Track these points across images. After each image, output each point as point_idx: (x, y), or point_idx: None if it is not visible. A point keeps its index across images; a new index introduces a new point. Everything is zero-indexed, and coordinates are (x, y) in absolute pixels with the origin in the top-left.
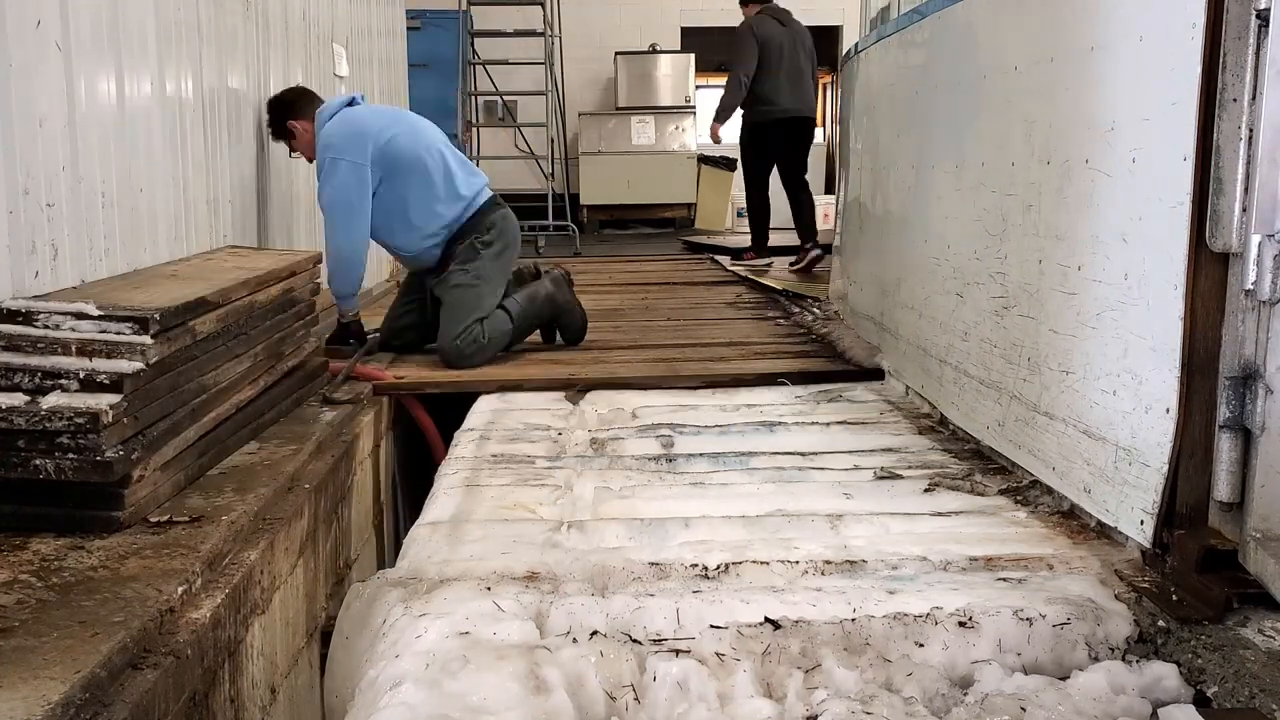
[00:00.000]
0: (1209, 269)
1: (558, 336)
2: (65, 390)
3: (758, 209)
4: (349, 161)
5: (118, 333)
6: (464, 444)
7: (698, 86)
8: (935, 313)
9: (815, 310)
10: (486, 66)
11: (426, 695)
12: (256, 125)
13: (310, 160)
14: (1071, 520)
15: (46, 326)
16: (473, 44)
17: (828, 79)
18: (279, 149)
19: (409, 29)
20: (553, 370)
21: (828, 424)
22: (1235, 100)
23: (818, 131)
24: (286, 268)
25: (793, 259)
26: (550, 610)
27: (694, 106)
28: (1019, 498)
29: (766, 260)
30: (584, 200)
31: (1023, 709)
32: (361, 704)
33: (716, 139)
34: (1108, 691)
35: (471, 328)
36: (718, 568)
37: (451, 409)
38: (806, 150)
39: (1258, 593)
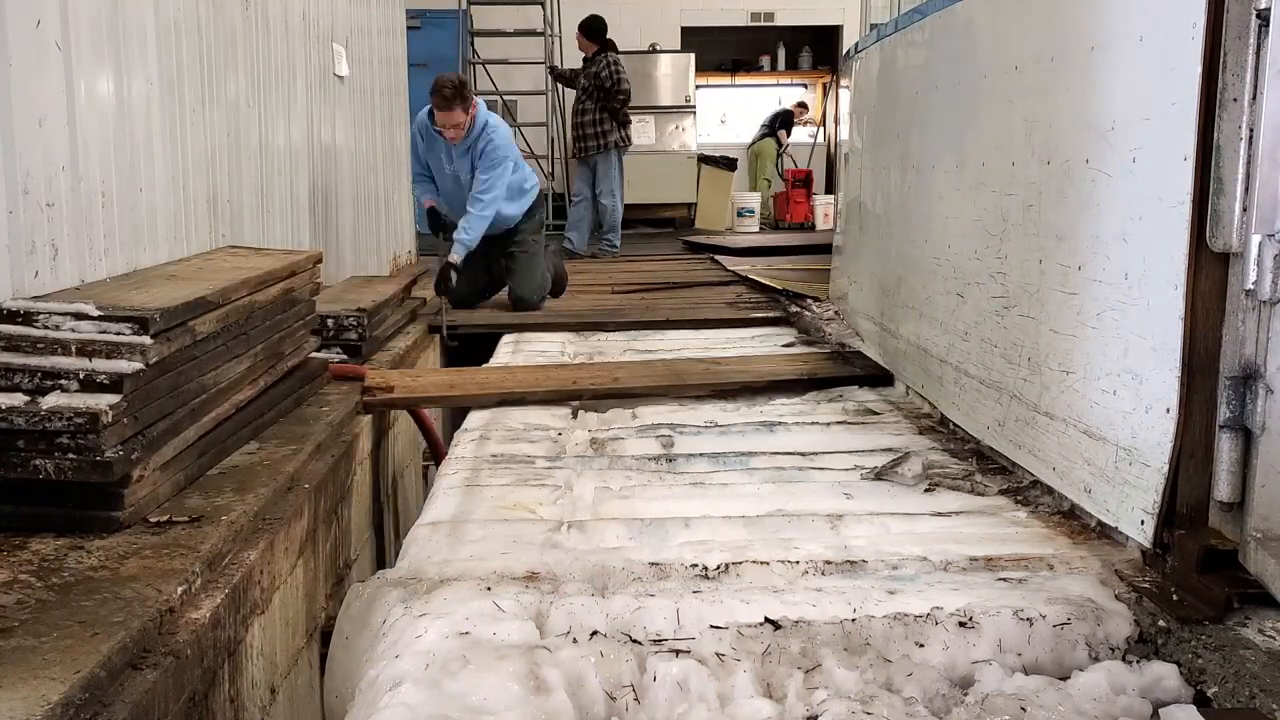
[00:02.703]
0: (1209, 269)
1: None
2: (65, 390)
3: None
4: (513, 160)
5: (118, 333)
6: (464, 444)
7: (698, 86)
8: (936, 312)
9: (815, 310)
10: (486, 66)
11: (426, 695)
12: (257, 124)
13: (457, 131)
14: (1072, 520)
15: (46, 327)
16: (473, 44)
17: (827, 79)
18: (278, 151)
19: (409, 29)
20: (554, 376)
21: (828, 424)
22: (1235, 100)
23: (818, 131)
24: (286, 268)
25: None
26: (550, 610)
27: (694, 106)
28: (1019, 498)
29: None
30: None
31: (1023, 709)
32: (361, 704)
33: None
34: (1108, 691)
35: (543, 278)
36: (718, 568)
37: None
38: None
39: (1258, 593)
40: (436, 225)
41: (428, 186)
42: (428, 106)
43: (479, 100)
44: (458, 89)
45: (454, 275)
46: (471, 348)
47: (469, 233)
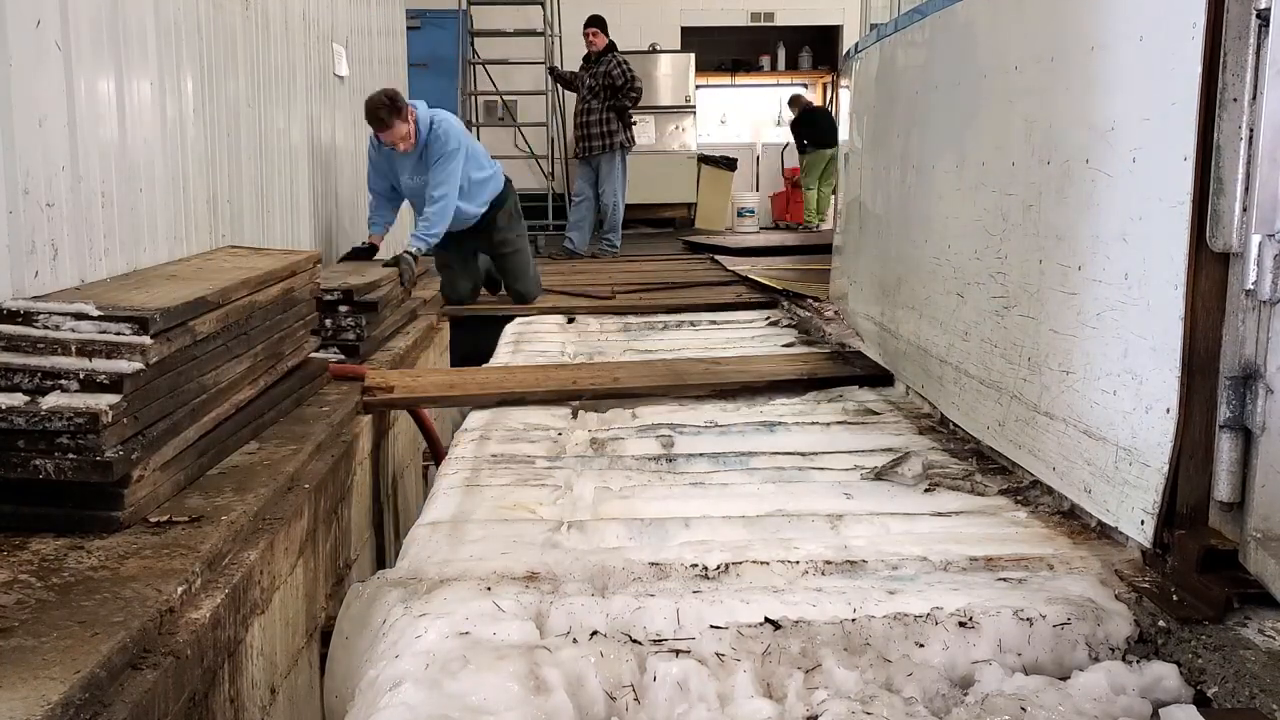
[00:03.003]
0: (1209, 269)
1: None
2: (65, 390)
3: None
4: (464, 151)
5: (118, 333)
6: (464, 444)
7: (698, 86)
8: (936, 312)
9: (815, 310)
10: (486, 66)
11: (426, 695)
12: (257, 124)
13: (406, 142)
14: (1072, 520)
15: (46, 327)
16: (473, 44)
17: (828, 79)
18: (278, 151)
19: (409, 29)
20: (554, 376)
21: (828, 424)
22: (1235, 100)
23: None
24: (286, 268)
25: None
26: (550, 610)
27: (694, 106)
28: (1019, 498)
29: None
30: None
31: (1023, 709)
32: (361, 704)
33: None
34: (1108, 691)
35: (535, 272)
36: (718, 568)
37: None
38: None
39: (1258, 593)
40: (359, 254)
41: (383, 214)
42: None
43: (415, 104)
44: (390, 104)
45: (413, 267)
46: (473, 346)
47: (428, 230)
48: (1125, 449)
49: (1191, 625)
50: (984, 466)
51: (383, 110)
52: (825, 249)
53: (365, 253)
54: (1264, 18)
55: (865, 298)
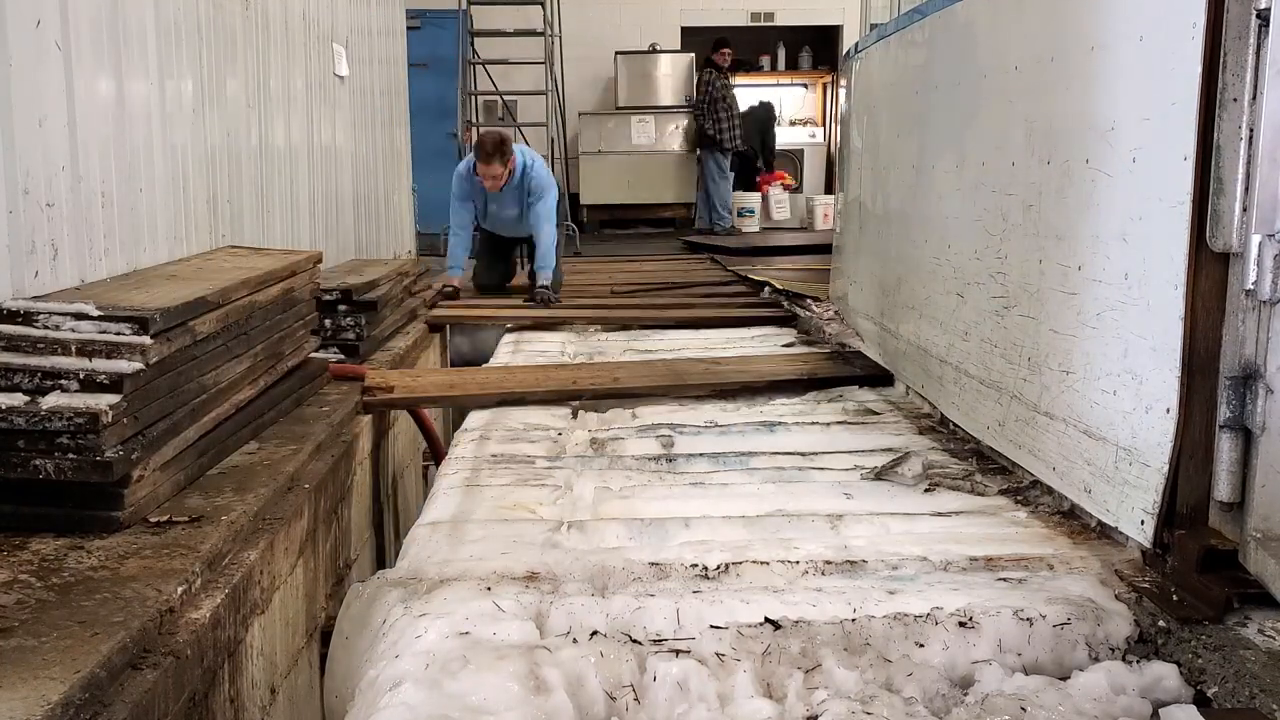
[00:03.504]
0: (1209, 269)
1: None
2: (65, 390)
3: None
4: (555, 189)
5: (117, 333)
6: (464, 444)
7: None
8: (936, 312)
9: (815, 310)
10: (486, 66)
11: (426, 695)
12: (257, 124)
13: (495, 183)
14: (1072, 520)
15: (46, 327)
16: (473, 44)
17: (828, 79)
18: (278, 151)
19: (409, 29)
20: (554, 376)
21: (828, 424)
22: (1235, 100)
23: (818, 131)
24: (286, 268)
25: None
26: (550, 610)
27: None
28: (1019, 498)
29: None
30: (584, 200)
31: (1023, 709)
32: (361, 704)
33: None
34: (1108, 691)
35: (561, 271)
36: (718, 568)
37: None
38: None
39: (1258, 593)
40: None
41: (461, 254)
42: (469, 157)
43: (517, 147)
44: (498, 146)
45: (553, 298)
46: (471, 348)
47: (548, 265)
48: (1125, 449)
49: (1191, 625)
50: (984, 466)
51: (489, 146)
52: (825, 249)
53: (451, 296)
54: (1264, 18)
55: (865, 298)
